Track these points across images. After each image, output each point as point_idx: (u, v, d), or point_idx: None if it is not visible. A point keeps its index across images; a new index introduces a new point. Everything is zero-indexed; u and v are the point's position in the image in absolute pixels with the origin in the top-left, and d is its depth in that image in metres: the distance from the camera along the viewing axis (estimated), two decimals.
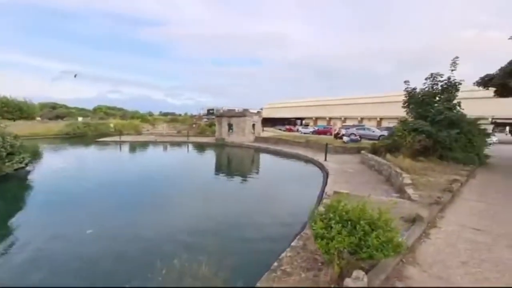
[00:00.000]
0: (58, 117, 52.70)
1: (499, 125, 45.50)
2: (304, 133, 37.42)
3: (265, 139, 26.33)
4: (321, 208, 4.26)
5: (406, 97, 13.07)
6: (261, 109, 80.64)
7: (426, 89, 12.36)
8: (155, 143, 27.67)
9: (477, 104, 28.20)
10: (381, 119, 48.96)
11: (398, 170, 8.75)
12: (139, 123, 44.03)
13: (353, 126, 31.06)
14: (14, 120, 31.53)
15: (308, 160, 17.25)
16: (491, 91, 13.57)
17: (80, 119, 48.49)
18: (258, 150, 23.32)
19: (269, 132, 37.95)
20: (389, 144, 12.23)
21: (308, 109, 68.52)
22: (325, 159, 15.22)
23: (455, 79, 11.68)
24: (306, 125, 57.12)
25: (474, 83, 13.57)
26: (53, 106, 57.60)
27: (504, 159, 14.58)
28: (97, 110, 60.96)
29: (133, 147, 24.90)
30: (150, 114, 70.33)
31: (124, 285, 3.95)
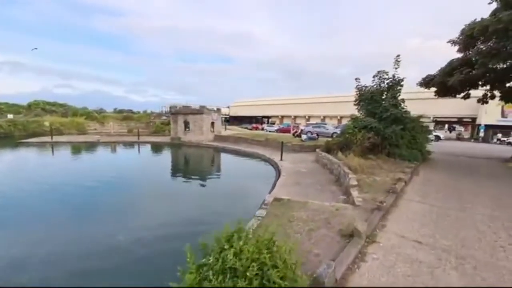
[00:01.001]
0: None
1: (439, 123, 51.34)
2: (269, 131, 37.26)
3: (225, 138, 24.92)
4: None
5: (357, 94, 12.92)
6: (228, 107, 78.70)
7: (375, 86, 12.32)
8: (97, 144, 24.15)
9: (422, 105, 30.83)
10: (341, 117, 51.22)
11: (346, 169, 8.19)
12: (84, 121, 38.75)
13: (316, 124, 31.68)
14: None
15: (265, 160, 16.44)
16: (433, 93, 14.30)
17: (10, 116, 40.98)
18: (216, 150, 21.92)
19: (233, 130, 36.66)
20: (341, 142, 11.90)
21: (274, 107, 68.98)
22: (281, 159, 14.50)
23: (399, 76, 11.81)
24: (272, 124, 57.40)
25: (417, 84, 14.12)
26: None
27: (444, 154, 15.58)
28: (32, 106, 52.22)
29: (67, 149, 21.21)
30: (101, 110, 62.91)
31: None
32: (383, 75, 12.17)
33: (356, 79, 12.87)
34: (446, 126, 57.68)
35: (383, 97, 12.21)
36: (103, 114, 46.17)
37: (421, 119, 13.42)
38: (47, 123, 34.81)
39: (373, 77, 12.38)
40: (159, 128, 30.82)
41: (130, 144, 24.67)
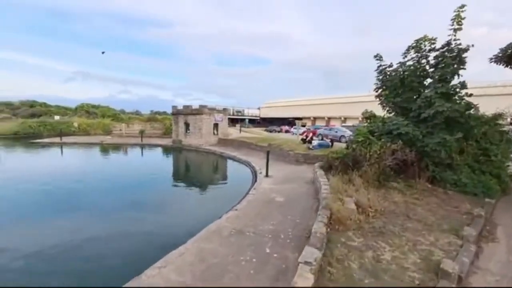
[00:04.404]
0: (34, 115, 49.82)
1: None
2: (296, 134, 33.15)
3: (228, 142, 21.68)
4: None
5: (378, 80, 8.15)
6: (259, 108, 76.13)
7: (408, 63, 7.41)
8: (101, 145, 23.54)
9: (492, 102, 22.66)
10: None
11: (320, 224, 3.92)
12: (110, 122, 40.27)
13: (352, 126, 26.13)
14: None
15: (254, 172, 12.62)
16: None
17: (56, 117, 45.56)
18: (213, 156, 18.87)
19: (250, 133, 33.30)
20: (346, 156, 7.32)
21: (306, 108, 63.71)
22: (266, 174, 10.48)
23: (459, 43, 6.67)
24: (303, 126, 52.45)
25: (490, 59, 8.43)
26: (31, 105, 54.92)
27: None
28: (78, 108, 57.85)
29: (59, 150, 20.75)
30: (137, 113, 67.34)
31: None
32: (425, 45, 7.22)
33: (375, 56, 8.10)
34: None
35: (426, 82, 7.26)
36: (129, 115, 47.98)
37: (499, 121, 7.86)
38: (75, 124, 36.97)
39: (407, 50, 7.49)
40: (169, 129, 29.33)
41: (131, 146, 23.35)
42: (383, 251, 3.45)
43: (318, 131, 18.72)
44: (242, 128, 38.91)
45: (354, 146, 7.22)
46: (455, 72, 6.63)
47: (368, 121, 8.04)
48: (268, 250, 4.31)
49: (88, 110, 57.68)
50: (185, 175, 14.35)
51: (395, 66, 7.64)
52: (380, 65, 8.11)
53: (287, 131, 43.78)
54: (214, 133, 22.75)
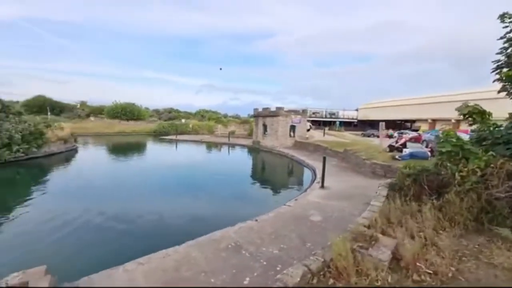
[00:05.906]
0: (170, 118, 67.68)
1: None
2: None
3: (304, 145, 20.47)
4: None
5: (502, 53, 4.96)
6: (357, 110, 68.05)
7: None
8: (200, 142, 28.47)
9: None
10: None
11: (297, 274, 2.68)
12: (213, 124, 48.08)
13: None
14: (128, 120, 42.25)
15: (313, 180, 11.13)
16: None
17: (183, 120, 59.65)
18: (283, 159, 18.43)
19: (336, 137, 30.18)
20: (421, 173, 4.85)
21: (421, 108, 49.89)
22: (322, 185, 8.89)
23: None
24: (416, 130, 42.17)
25: None
26: (169, 111, 74.29)
27: None
28: (197, 113, 73.05)
29: (177, 144, 26.57)
30: (236, 116, 77.13)
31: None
32: None
33: (502, 16, 4.95)
34: None
35: None
36: (227, 118, 55.38)
37: None
38: (190, 125, 46.67)
39: None
40: (252, 131, 31.47)
41: (219, 145, 26.78)
42: None
43: (424, 137, 14.14)
44: (329, 131, 35.78)
45: (439, 161, 4.66)
46: None
47: (471, 120, 4.99)
48: (247, 281, 3.44)
49: (202, 114, 71.54)
50: (249, 174, 14.70)
51: None
52: (509, 30, 4.87)
53: (390, 137, 36.35)
54: (290, 135, 22.14)
